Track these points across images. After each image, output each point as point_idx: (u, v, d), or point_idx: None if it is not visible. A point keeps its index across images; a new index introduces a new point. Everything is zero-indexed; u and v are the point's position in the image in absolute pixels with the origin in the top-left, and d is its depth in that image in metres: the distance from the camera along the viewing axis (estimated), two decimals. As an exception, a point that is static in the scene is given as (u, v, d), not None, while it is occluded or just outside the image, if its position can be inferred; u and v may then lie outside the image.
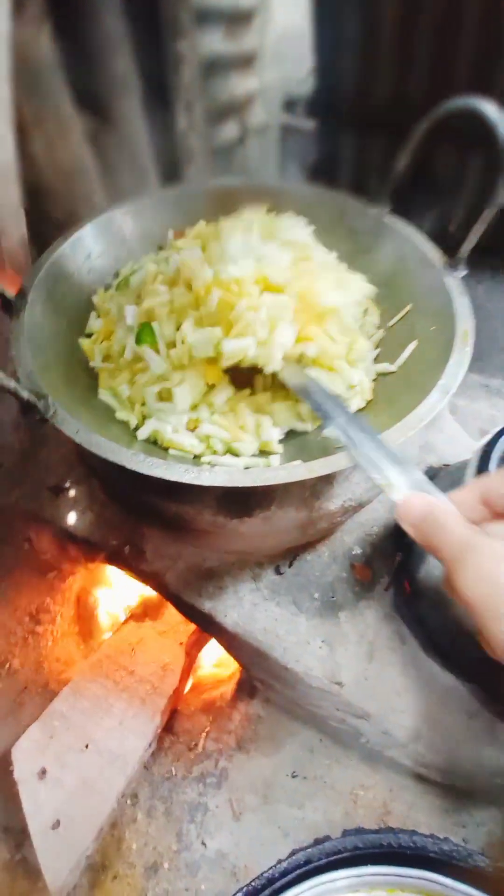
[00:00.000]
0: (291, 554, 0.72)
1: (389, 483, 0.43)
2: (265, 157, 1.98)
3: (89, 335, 0.72)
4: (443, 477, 0.81)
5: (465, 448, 0.91)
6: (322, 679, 0.64)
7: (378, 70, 1.56)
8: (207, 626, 0.70)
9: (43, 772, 0.69)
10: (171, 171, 1.35)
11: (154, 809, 0.73)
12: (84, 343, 0.70)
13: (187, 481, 0.48)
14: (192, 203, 0.85)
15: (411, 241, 0.75)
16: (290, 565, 0.71)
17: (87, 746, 0.72)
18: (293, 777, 0.74)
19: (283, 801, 0.73)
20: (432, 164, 1.66)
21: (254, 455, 0.60)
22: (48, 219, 0.88)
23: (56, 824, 0.65)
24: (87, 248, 0.75)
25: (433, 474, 0.85)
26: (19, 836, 0.68)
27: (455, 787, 0.69)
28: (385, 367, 0.69)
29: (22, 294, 0.65)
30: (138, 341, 0.63)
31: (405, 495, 0.41)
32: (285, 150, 2.02)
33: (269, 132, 1.94)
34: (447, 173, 1.68)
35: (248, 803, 0.73)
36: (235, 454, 0.60)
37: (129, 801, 0.74)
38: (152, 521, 0.70)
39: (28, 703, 0.82)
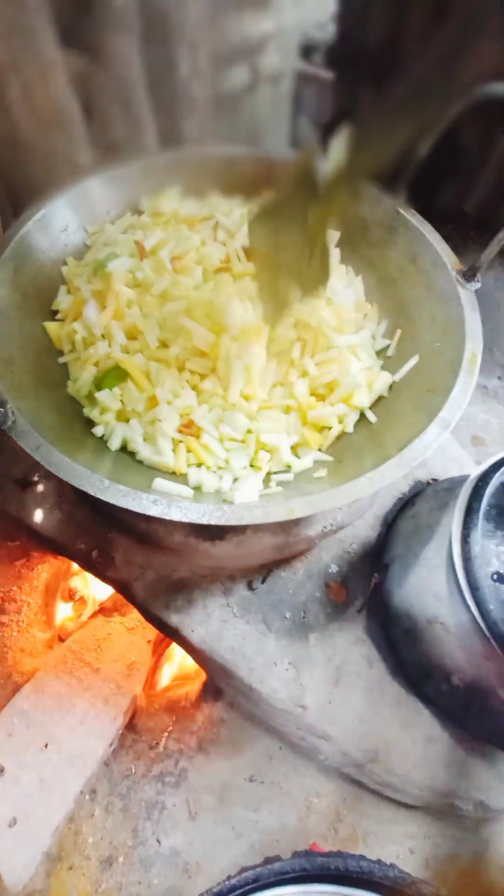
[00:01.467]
0: (265, 569, 0.70)
1: None
2: (276, 108, 1.82)
3: (56, 313, 0.66)
4: (429, 495, 0.78)
5: (456, 461, 0.88)
6: (286, 702, 0.63)
7: (410, 21, 1.41)
8: (173, 637, 0.69)
9: (0, 769, 0.68)
10: (169, 122, 1.22)
11: (112, 805, 0.74)
12: (50, 327, 0.64)
13: (155, 514, 0.44)
14: (184, 172, 0.77)
15: (426, 240, 0.69)
16: (264, 581, 0.69)
17: (46, 745, 0.71)
18: (251, 781, 0.75)
19: (240, 803, 0.74)
20: (453, 136, 1.54)
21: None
22: (23, 179, 0.79)
23: (13, 822, 0.65)
24: (62, 221, 0.67)
25: (420, 490, 0.82)
26: (-24, 826, 0.68)
27: (406, 803, 0.70)
28: (385, 376, 0.64)
29: (-16, 274, 0.57)
30: (99, 387, 0.57)
31: None
32: (299, 102, 1.84)
33: (283, 80, 1.77)
34: (468, 147, 1.56)
35: (205, 804, 0.74)
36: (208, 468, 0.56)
37: (87, 797, 0.74)
38: (122, 531, 0.67)
39: (-10, 693, 0.81)
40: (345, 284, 0.69)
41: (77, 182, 0.69)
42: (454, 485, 0.78)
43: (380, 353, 0.69)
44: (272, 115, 1.78)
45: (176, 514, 0.44)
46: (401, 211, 0.71)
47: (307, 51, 1.74)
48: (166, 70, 1.17)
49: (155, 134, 1.12)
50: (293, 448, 0.60)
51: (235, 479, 0.55)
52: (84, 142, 0.87)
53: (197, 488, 0.52)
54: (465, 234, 1.67)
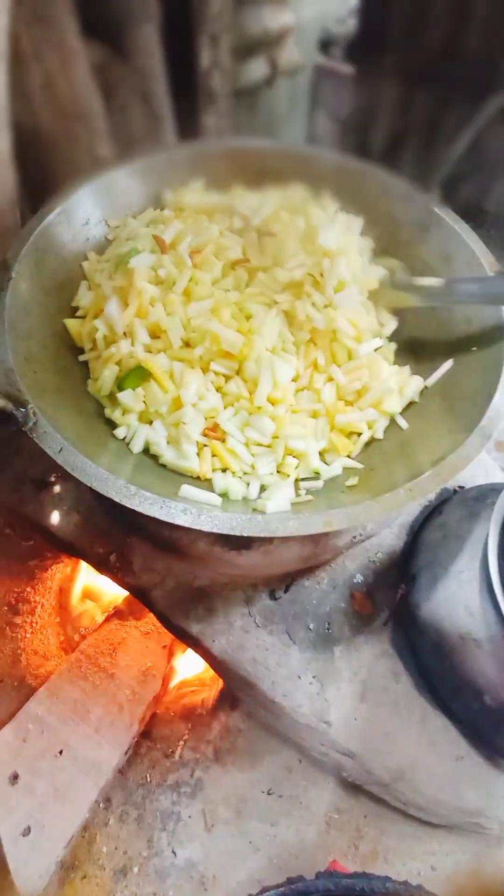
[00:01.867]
0: (289, 578, 0.67)
1: None
2: (294, 102, 1.78)
3: (77, 310, 0.63)
4: (457, 503, 0.75)
5: (482, 468, 0.86)
6: (310, 717, 0.61)
7: (432, 15, 1.37)
8: (194, 647, 0.67)
9: (14, 776, 0.67)
10: (189, 114, 1.19)
11: (126, 815, 0.73)
12: (71, 324, 0.62)
13: (184, 524, 0.42)
14: (209, 164, 0.74)
15: (462, 239, 0.66)
16: (287, 590, 0.67)
17: (60, 752, 0.70)
18: (268, 794, 0.73)
19: (257, 816, 0.72)
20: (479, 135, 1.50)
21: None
22: (43, 171, 0.77)
23: (27, 831, 0.63)
24: (84, 214, 0.65)
25: (447, 497, 0.79)
26: (-11, 832, 0.67)
27: (429, 822, 0.68)
28: (417, 380, 0.61)
29: (4, 268, 0.55)
30: (121, 387, 0.55)
31: None
32: (317, 96, 1.81)
33: (301, 74, 1.74)
34: (489, 145, 1.52)
35: (221, 816, 0.72)
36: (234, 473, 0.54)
37: (101, 805, 0.73)
38: (142, 536, 0.65)
39: (3, 697, 0.79)
40: (352, 286, 0.64)
41: (99, 174, 0.66)
42: (483, 493, 0.75)
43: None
44: (290, 108, 1.74)
45: (207, 525, 0.42)
46: (435, 209, 0.68)
47: (326, 45, 1.70)
48: (187, 62, 1.14)
49: (173, 126, 1.10)
50: (321, 454, 0.57)
51: (263, 487, 0.53)
52: (105, 133, 0.85)
53: (223, 495, 0.50)
54: (486, 232, 1.63)
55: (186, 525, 0.42)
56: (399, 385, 0.61)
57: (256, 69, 1.54)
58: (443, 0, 1.40)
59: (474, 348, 0.60)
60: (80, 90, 0.80)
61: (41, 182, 0.74)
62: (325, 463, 0.56)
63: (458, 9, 1.38)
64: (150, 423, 0.57)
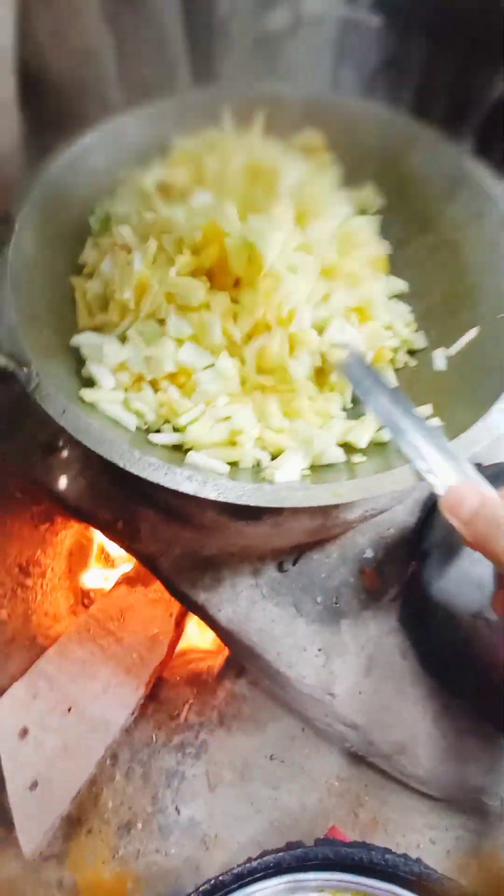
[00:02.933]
0: (297, 551, 0.66)
1: (433, 473, 0.39)
2: (318, 54, 1.67)
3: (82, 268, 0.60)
4: (474, 480, 0.73)
5: (499, 444, 0.82)
6: (315, 688, 0.60)
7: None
8: (200, 615, 0.67)
9: (24, 731, 0.69)
10: (206, 64, 1.12)
11: (132, 772, 0.75)
12: (77, 283, 0.59)
13: (189, 491, 0.41)
14: (223, 111, 0.69)
15: (495, 196, 0.61)
16: (295, 563, 0.65)
17: (69, 710, 0.72)
18: (271, 759, 0.74)
19: (259, 780, 0.73)
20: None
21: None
22: (50, 119, 0.73)
23: (34, 785, 0.66)
24: (92, 163, 0.61)
25: (463, 474, 0.77)
26: (-1, 785, 0.69)
27: (430, 795, 0.68)
28: (440, 353, 0.58)
29: (7, 221, 0.53)
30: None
31: (453, 485, 0.35)
32: (342, 48, 1.69)
33: (326, 24, 1.62)
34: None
35: (225, 777, 0.74)
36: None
37: (108, 761, 0.75)
38: (150, 504, 0.64)
39: (15, 655, 0.81)
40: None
41: (106, 121, 0.62)
42: (501, 471, 0.72)
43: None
44: (313, 60, 1.64)
45: (212, 493, 0.40)
46: (464, 162, 0.63)
47: (353, -5, 1.58)
48: (204, 7, 1.07)
49: (189, 74, 1.04)
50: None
51: (274, 455, 0.51)
52: (116, 79, 0.80)
53: (233, 464, 0.48)
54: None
55: (191, 492, 0.40)
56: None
57: (279, 17, 1.44)
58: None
59: (501, 315, 0.57)
60: (90, 36, 0.75)
61: (47, 130, 0.70)
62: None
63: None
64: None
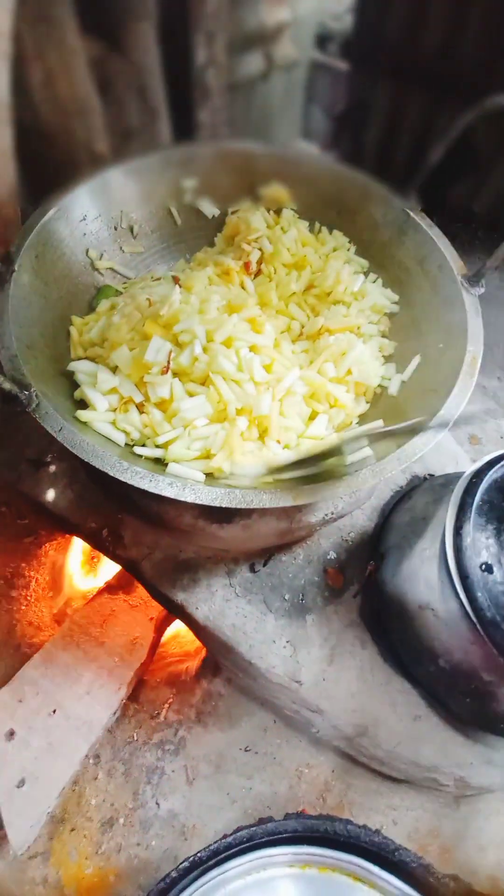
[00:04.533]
0: (267, 553, 0.73)
1: None
2: (289, 97, 1.81)
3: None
4: (426, 489, 0.81)
5: (452, 458, 0.92)
6: (283, 677, 0.67)
7: (428, 17, 1.40)
8: (178, 614, 0.72)
9: (11, 733, 0.72)
10: (184, 110, 1.22)
11: (114, 770, 0.79)
12: (76, 323, 0.66)
13: (170, 496, 0.48)
14: (201, 164, 0.78)
15: (435, 243, 0.71)
16: (265, 564, 0.72)
17: (54, 712, 0.75)
18: (245, 751, 0.79)
19: (234, 771, 0.78)
20: (466, 135, 1.55)
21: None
22: (42, 166, 0.80)
23: (21, 783, 0.69)
24: (82, 210, 0.69)
25: (416, 484, 0.86)
26: (-15, 785, 0.72)
27: (391, 777, 0.75)
28: (397, 379, 0.67)
29: (8, 261, 0.60)
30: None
31: None
32: (312, 91, 1.83)
33: (297, 70, 1.76)
34: (481, 148, 1.56)
35: (202, 771, 0.79)
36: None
37: (91, 761, 0.79)
38: (132, 512, 0.70)
39: (0, 663, 0.84)
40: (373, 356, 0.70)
41: (96, 173, 0.70)
42: (450, 480, 0.81)
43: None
44: (285, 103, 1.77)
45: (190, 497, 0.47)
46: (411, 213, 0.74)
47: (323, 41, 1.72)
48: (182, 58, 1.17)
49: (168, 120, 1.13)
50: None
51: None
52: (102, 131, 0.88)
53: (209, 473, 0.55)
54: (473, 233, 1.69)
55: (172, 496, 0.47)
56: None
57: (252, 63, 1.56)
58: (439, 2, 1.43)
59: (441, 346, 0.66)
60: (79, 87, 0.83)
61: (40, 176, 0.77)
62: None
63: (454, 11, 1.42)
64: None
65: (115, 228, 0.74)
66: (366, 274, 0.77)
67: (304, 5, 1.66)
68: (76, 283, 0.70)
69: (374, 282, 0.76)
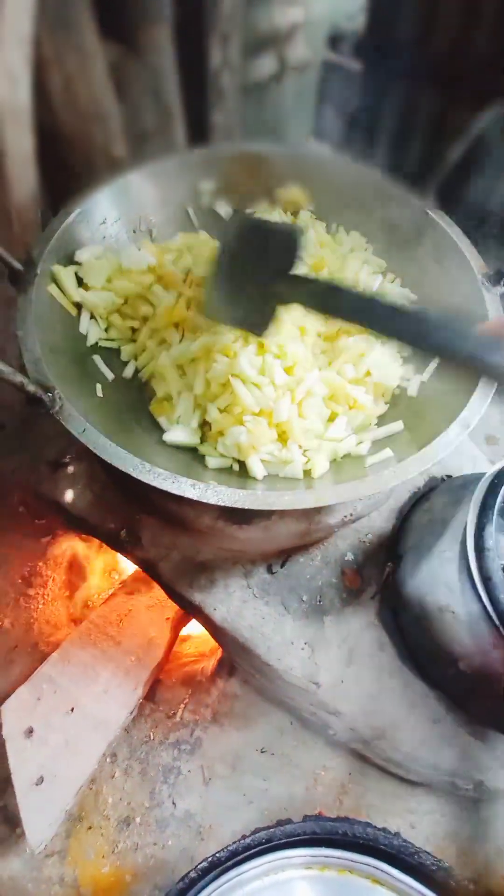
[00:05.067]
0: (285, 555, 0.73)
1: None
2: (302, 97, 1.81)
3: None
4: (444, 490, 0.81)
5: (470, 459, 0.91)
6: (301, 679, 0.67)
7: (441, 16, 1.39)
8: (195, 615, 0.73)
9: (30, 731, 0.73)
10: (199, 111, 1.23)
11: (131, 769, 0.79)
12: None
13: (193, 497, 0.48)
14: (218, 167, 0.79)
15: (454, 242, 0.71)
16: (283, 566, 0.72)
17: (72, 710, 0.76)
18: (262, 752, 0.79)
19: (250, 772, 0.78)
20: (481, 135, 1.53)
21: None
22: (62, 170, 0.81)
23: (40, 780, 0.70)
24: (101, 214, 0.70)
25: (433, 486, 0.85)
26: (2, 784, 0.73)
27: (408, 780, 0.74)
28: (416, 380, 0.67)
29: (31, 264, 0.60)
30: None
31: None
32: (325, 91, 1.83)
33: (310, 70, 1.76)
34: (495, 146, 1.55)
35: (218, 771, 0.79)
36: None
37: (108, 759, 0.79)
38: (151, 512, 0.70)
39: (18, 662, 0.85)
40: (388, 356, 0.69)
41: (115, 178, 0.71)
42: (468, 481, 0.80)
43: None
44: (298, 104, 1.77)
45: (212, 498, 0.47)
46: (429, 212, 0.73)
47: (335, 41, 1.72)
48: (198, 60, 1.18)
49: (183, 122, 1.14)
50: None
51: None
52: (120, 135, 0.89)
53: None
54: (489, 232, 1.67)
55: (195, 498, 0.47)
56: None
57: (265, 65, 1.56)
58: (452, 0, 1.42)
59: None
60: (97, 92, 0.84)
61: (60, 180, 0.78)
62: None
63: (467, 10, 1.41)
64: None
65: (135, 231, 0.74)
66: (383, 274, 0.77)
67: (317, 6, 1.66)
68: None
69: (392, 282, 0.76)
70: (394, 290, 0.74)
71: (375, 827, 0.60)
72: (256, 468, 0.56)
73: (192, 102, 1.20)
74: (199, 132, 1.20)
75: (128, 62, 1.02)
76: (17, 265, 0.59)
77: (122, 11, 0.94)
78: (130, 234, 0.74)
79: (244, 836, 0.60)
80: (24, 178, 0.70)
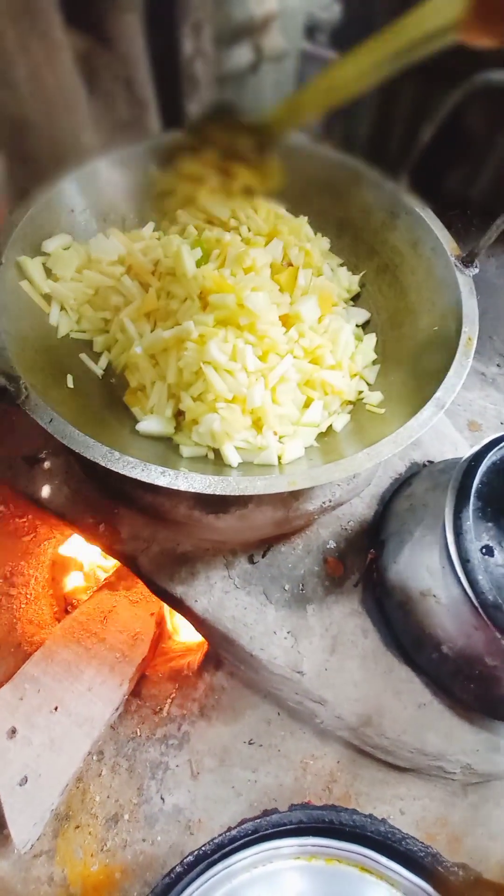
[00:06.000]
0: (266, 544, 0.72)
1: None
2: (280, 89, 1.79)
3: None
4: (425, 476, 0.81)
5: (452, 444, 0.91)
6: (285, 668, 0.66)
7: (414, 1, 1.39)
8: (177, 608, 0.72)
9: (12, 731, 0.72)
10: (172, 102, 1.21)
11: (118, 766, 0.78)
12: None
13: (163, 484, 0.47)
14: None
15: (427, 225, 0.70)
16: (264, 555, 0.72)
17: (56, 709, 0.75)
18: (249, 744, 0.79)
19: (239, 764, 0.78)
20: (460, 120, 1.53)
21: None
22: (30, 160, 0.79)
23: (23, 781, 0.69)
24: (69, 203, 0.69)
25: (416, 471, 0.85)
26: (-12, 784, 0.72)
27: (397, 766, 0.74)
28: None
29: (-7, 254, 0.59)
30: None
31: None
32: (303, 82, 1.81)
33: (287, 60, 1.74)
34: (475, 133, 1.55)
35: (206, 765, 0.78)
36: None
37: (94, 757, 0.78)
38: (128, 505, 0.69)
39: (1, 663, 0.84)
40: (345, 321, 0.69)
41: (82, 165, 0.70)
42: (449, 466, 0.80)
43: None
44: (275, 95, 1.75)
45: (183, 485, 0.46)
46: (402, 196, 0.73)
47: (312, 31, 1.71)
48: (169, 49, 1.16)
49: (157, 114, 1.12)
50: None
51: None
52: (89, 123, 0.87)
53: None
54: (469, 220, 1.67)
55: (164, 485, 0.46)
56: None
57: (241, 55, 1.55)
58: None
59: (436, 328, 0.65)
60: (65, 81, 0.82)
61: (29, 171, 0.77)
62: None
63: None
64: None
65: (105, 220, 0.73)
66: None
67: (292, -4, 1.64)
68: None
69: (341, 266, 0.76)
70: (344, 277, 0.74)
71: (362, 814, 0.60)
72: (231, 455, 0.56)
73: (165, 92, 1.18)
74: (174, 122, 1.18)
75: (97, 52, 1.00)
76: (-19, 256, 0.57)
77: (90, 0, 0.92)
78: (101, 223, 0.72)
79: (230, 828, 0.59)
80: (-11, 167, 0.69)
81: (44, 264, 0.64)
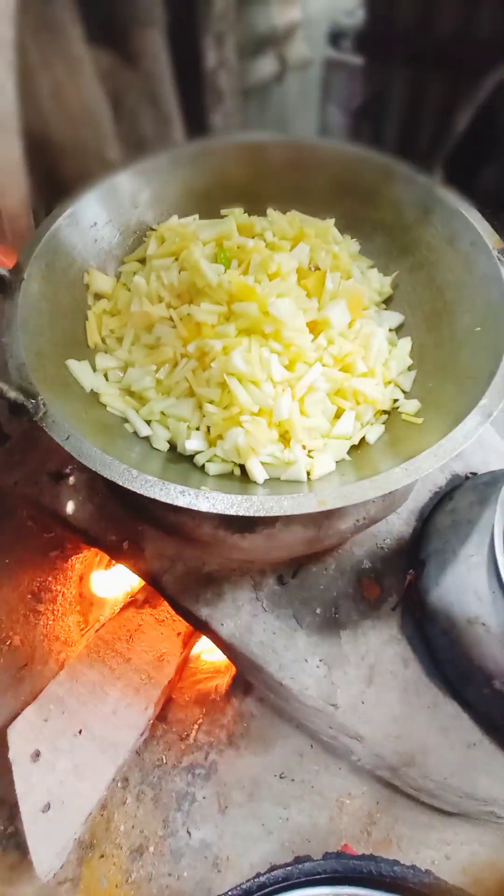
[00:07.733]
0: (296, 563, 0.68)
1: None
2: (305, 97, 1.78)
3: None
4: (468, 489, 0.74)
5: (497, 454, 0.84)
6: (317, 699, 0.61)
7: (441, 1, 1.34)
8: (203, 630, 0.68)
9: (36, 754, 0.70)
10: (197, 116, 1.21)
11: (143, 794, 0.75)
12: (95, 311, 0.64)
13: (182, 504, 0.44)
14: (212, 161, 0.76)
15: (465, 219, 0.65)
16: (294, 576, 0.67)
17: (80, 732, 0.73)
18: (281, 778, 0.74)
19: (269, 800, 0.73)
20: (493, 117, 1.47)
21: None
22: (55, 177, 0.80)
23: (46, 807, 0.66)
24: (92, 216, 0.68)
25: (458, 483, 0.79)
26: (12, 808, 0.70)
27: (442, 809, 0.67)
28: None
29: (17, 269, 0.58)
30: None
31: None
32: (328, 89, 1.79)
33: (311, 69, 1.73)
34: (509, 127, 1.48)
35: (235, 798, 0.74)
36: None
37: (119, 784, 0.75)
38: (151, 523, 0.67)
39: (27, 680, 0.83)
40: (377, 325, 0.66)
41: (104, 178, 0.69)
42: (495, 479, 0.74)
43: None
44: (301, 103, 1.74)
45: (204, 505, 0.43)
46: (436, 190, 0.68)
47: (336, 38, 1.69)
48: (192, 62, 1.16)
49: (182, 128, 1.12)
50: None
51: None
52: (113, 138, 0.88)
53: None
54: (504, 219, 1.59)
55: (185, 505, 0.43)
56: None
57: (266, 66, 1.54)
58: (451, -18, 1.37)
59: (478, 329, 0.60)
60: (87, 96, 0.83)
61: (53, 187, 0.77)
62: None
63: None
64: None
65: (127, 232, 0.72)
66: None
67: (315, 4, 1.63)
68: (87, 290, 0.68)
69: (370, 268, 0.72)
70: (375, 279, 0.69)
71: (404, 865, 0.54)
72: (257, 471, 0.52)
73: (190, 106, 1.18)
74: (198, 135, 1.18)
75: (121, 69, 1.00)
76: (3, 271, 0.57)
77: (111, 16, 0.93)
78: (123, 235, 0.71)
79: (259, 874, 0.55)
80: (14, 185, 0.69)
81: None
